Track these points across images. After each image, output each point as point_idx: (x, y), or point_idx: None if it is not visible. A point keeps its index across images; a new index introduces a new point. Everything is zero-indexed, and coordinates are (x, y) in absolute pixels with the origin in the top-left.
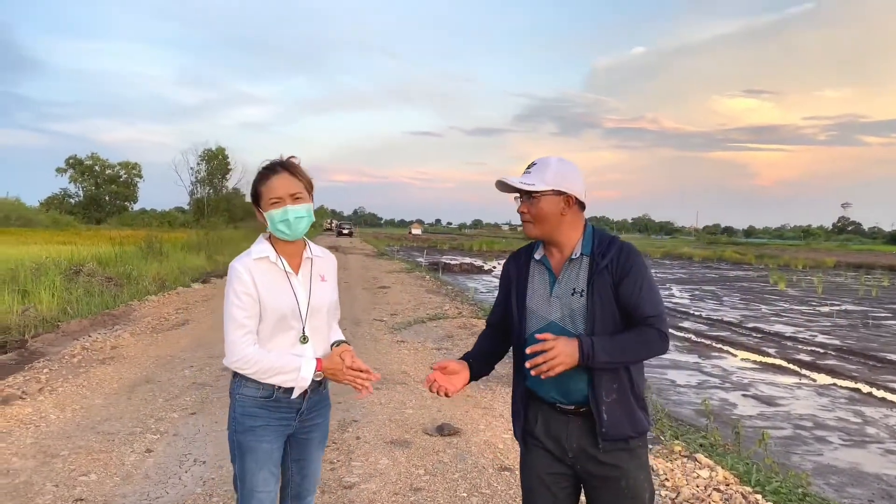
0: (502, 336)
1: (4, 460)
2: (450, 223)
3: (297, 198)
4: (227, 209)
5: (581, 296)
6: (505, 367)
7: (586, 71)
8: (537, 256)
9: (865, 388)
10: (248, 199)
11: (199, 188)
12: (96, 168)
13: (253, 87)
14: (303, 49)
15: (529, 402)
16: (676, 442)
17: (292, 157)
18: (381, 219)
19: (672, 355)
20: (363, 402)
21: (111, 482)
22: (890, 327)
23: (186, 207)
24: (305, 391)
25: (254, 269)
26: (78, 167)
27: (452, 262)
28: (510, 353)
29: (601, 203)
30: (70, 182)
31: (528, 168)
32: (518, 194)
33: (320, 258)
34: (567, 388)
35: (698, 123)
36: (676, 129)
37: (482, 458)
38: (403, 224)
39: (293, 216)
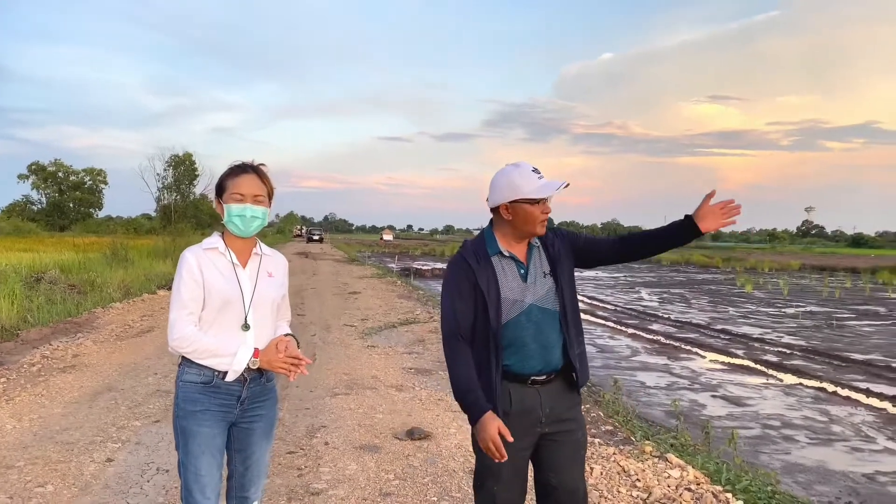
0: (469, 346)
1: None
2: (421, 229)
3: (259, 200)
4: (195, 215)
5: (548, 276)
6: None
7: (555, 77)
8: (506, 252)
9: (830, 388)
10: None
11: (165, 194)
12: (60, 174)
13: (223, 92)
14: (274, 55)
15: (501, 385)
16: (647, 442)
17: (262, 164)
18: (351, 225)
19: (641, 357)
20: (332, 407)
21: (69, 493)
22: (853, 328)
23: (153, 214)
24: (245, 379)
25: (202, 257)
26: (41, 174)
27: (424, 268)
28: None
29: (571, 208)
30: (32, 189)
31: (537, 172)
32: (546, 198)
33: (269, 256)
34: (549, 359)
35: (665, 129)
36: (644, 134)
37: (452, 462)
38: (375, 230)
39: (250, 214)
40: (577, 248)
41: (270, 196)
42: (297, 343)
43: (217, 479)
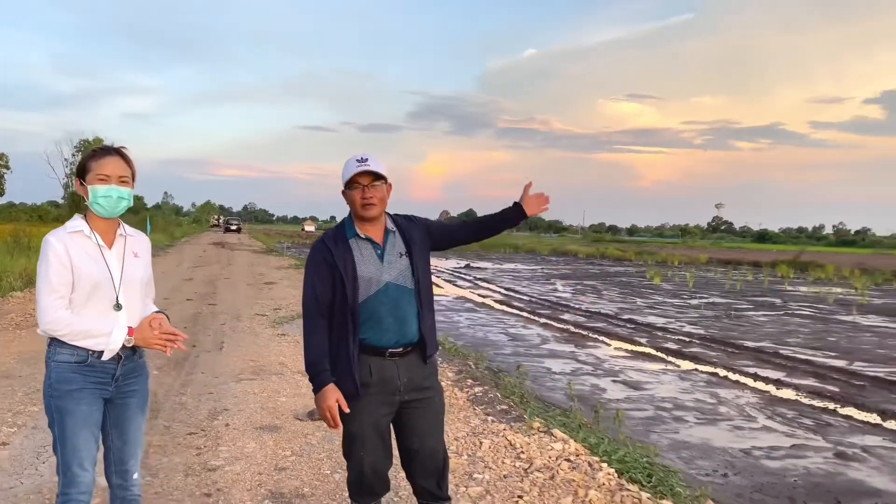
0: (327, 322)
1: None
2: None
3: (124, 181)
4: None
5: (404, 256)
6: None
7: (480, 71)
8: (362, 235)
9: (723, 373)
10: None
11: (74, 181)
12: None
13: (137, 76)
14: (191, 38)
15: (360, 358)
16: (536, 419)
17: (124, 146)
18: (272, 215)
19: (550, 345)
20: (236, 392)
21: None
22: (750, 317)
23: (61, 201)
24: (120, 357)
25: (67, 241)
26: None
27: None
28: None
29: (494, 201)
30: None
31: (362, 161)
32: (367, 182)
33: (133, 237)
34: (405, 332)
35: (585, 125)
36: (565, 130)
37: None
38: (296, 221)
39: (116, 195)
40: (431, 233)
41: (134, 178)
42: (168, 319)
43: (94, 452)
